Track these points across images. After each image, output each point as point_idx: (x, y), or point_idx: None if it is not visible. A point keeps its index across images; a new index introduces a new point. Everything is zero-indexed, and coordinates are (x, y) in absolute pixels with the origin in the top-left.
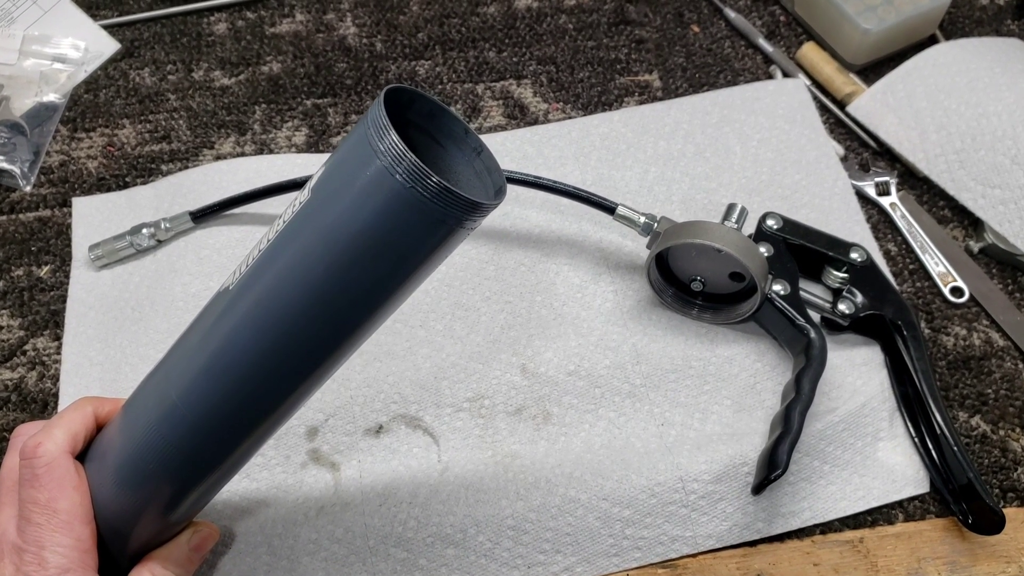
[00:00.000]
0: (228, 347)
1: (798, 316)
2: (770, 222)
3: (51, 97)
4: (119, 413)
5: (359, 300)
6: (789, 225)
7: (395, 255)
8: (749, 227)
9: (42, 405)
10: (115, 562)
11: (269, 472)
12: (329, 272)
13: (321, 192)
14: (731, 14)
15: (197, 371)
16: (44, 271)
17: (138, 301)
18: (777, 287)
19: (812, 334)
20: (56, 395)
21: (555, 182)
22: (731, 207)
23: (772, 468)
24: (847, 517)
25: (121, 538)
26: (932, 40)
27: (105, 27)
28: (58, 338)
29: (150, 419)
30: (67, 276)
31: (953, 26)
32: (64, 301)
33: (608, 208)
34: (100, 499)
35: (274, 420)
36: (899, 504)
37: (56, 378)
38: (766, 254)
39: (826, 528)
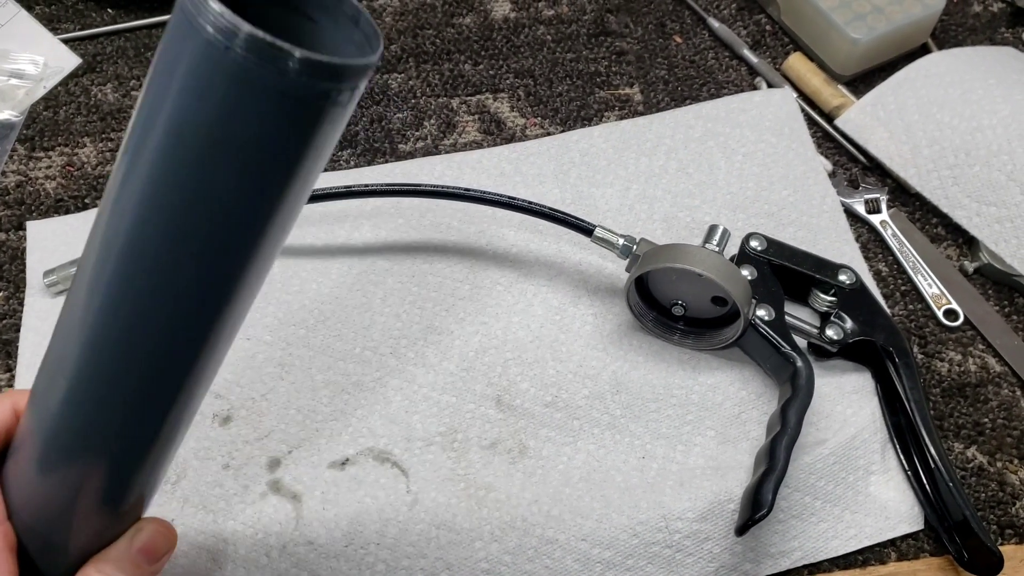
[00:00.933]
0: (101, 300)
1: (783, 343)
2: (754, 243)
3: (7, 115)
4: (28, 400)
5: (227, 221)
6: (774, 246)
7: (255, 150)
8: (732, 248)
9: None
10: None
11: (226, 503)
12: (182, 192)
13: (145, 108)
14: (715, 24)
15: (82, 328)
16: None
17: None
18: (761, 312)
19: (798, 363)
20: None
21: (531, 203)
22: (712, 229)
23: (756, 508)
24: (837, 557)
25: (53, 549)
26: (924, 49)
27: (65, 41)
28: (10, 369)
29: (50, 396)
30: (21, 304)
31: (945, 34)
32: (17, 330)
33: (586, 230)
34: (24, 499)
35: (174, 375)
36: (892, 543)
37: None
38: (749, 277)
39: (815, 568)
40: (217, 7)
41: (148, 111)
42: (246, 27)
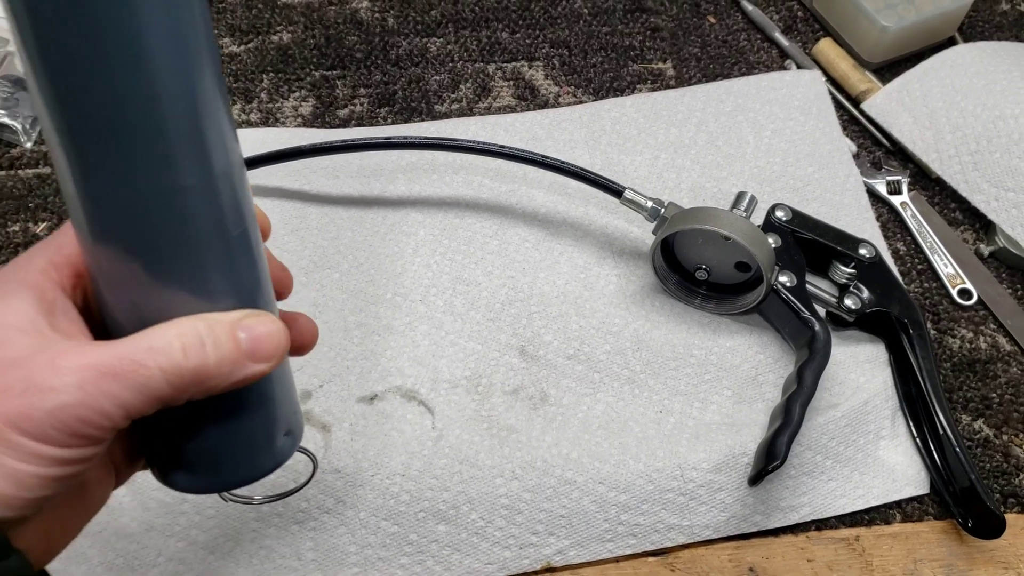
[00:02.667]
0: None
1: (803, 308)
2: (779, 213)
3: None
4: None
5: None
6: (798, 217)
7: None
8: (758, 217)
9: None
10: None
11: None
12: None
13: None
14: (748, 6)
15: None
16: (41, 228)
17: None
18: (783, 278)
19: (816, 327)
20: None
21: (563, 162)
22: (740, 195)
23: (770, 459)
24: (844, 515)
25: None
26: (951, 42)
27: None
28: None
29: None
30: None
31: (972, 30)
32: None
33: (615, 191)
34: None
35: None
36: (897, 504)
37: None
38: (774, 245)
39: (821, 524)
40: None
41: None
42: None
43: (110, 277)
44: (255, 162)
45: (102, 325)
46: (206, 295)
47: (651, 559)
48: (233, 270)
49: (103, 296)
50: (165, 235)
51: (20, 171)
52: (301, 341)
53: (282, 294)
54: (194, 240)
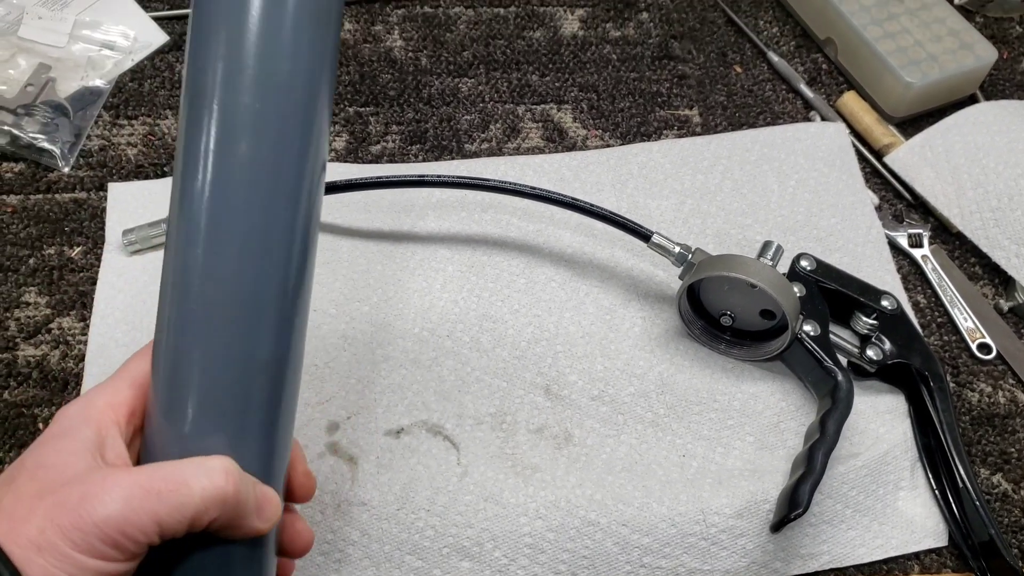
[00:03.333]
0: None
1: (827, 358)
2: (804, 263)
3: (96, 82)
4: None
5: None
6: (822, 268)
7: None
8: (782, 266)
9: (63, 384)
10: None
11: None
12: None
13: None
14: (774, 58)
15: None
16: (75, 252)
17: None
18: (807, 328)
19: (840, 377)
20: (78, 375)
21: (592, 205)
22: (767, 244)
23: (793, 507)
24: (863, 564)
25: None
26: (972, 99)
27: (155, 18)
28: (84, 319)
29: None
30: (98, 259)
31: (993, 87)
32: (93, 283)
33: (643, 235)
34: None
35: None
36: (915, 556)
37: (80, 358)
38: (799, 294)
39: (840, 573)
40: None
41: None
42: None
43: (170, 413)
44: None
45: (141, 459)
46: (240, 451)
47: None
48: (271, 448)
49: (155, 431)
50: (233, 397)
51: (57, 195)
52: (293, 545)
53: (303, 498)
54: (255, 408)
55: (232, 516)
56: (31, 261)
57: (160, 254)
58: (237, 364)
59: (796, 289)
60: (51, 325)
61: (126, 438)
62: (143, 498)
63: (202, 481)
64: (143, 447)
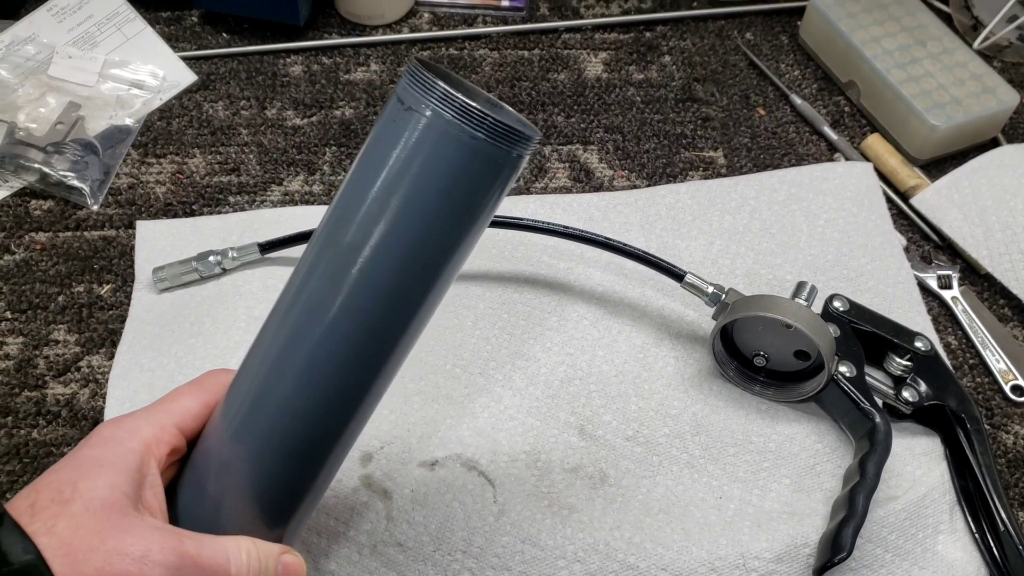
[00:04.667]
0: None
1: (863, 400)
2: (837, 304)
3: (125, 121)
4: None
5: (436, 252)
6: (855, 308)
7: (460, 204)
8: (816, 307)
9: (92, 422)
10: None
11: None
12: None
13: (379, 168)
14: (797, 100)
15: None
16: (105, 290)
17: (198, 317)
18: (843, 368)
19: (877, 419)
20: None
21: (625, 244)
22: (801, 285)
23: (836, 551)
24: None
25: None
26: (994, 143)
27: (184, 59)
28: (113, 356)
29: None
30: (127, 296)
31: (1014, 131)
32: (122, 321)
33: (677, 275)
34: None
35: (374, 396)
36: None
37: None
38: (833, 335)
39: None
40: (442, 84)
41: (385, 179)
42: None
43: (213, 484)
44: None
45: (172, 501)
46: (274, 524)
47: None
48: (300, 517)
49: (194, 484)
50: (285, 485)
51: (86, 232)
52: None
53: None
54: (295, 502)
55: None
56: (60, 299)
57: (189, 291)
58: (292, 479)
59: (831, 330)
60: (80, 363)
61: (165, 479)
62: (188, 570)
63: (240, 561)
64: (181, 494)
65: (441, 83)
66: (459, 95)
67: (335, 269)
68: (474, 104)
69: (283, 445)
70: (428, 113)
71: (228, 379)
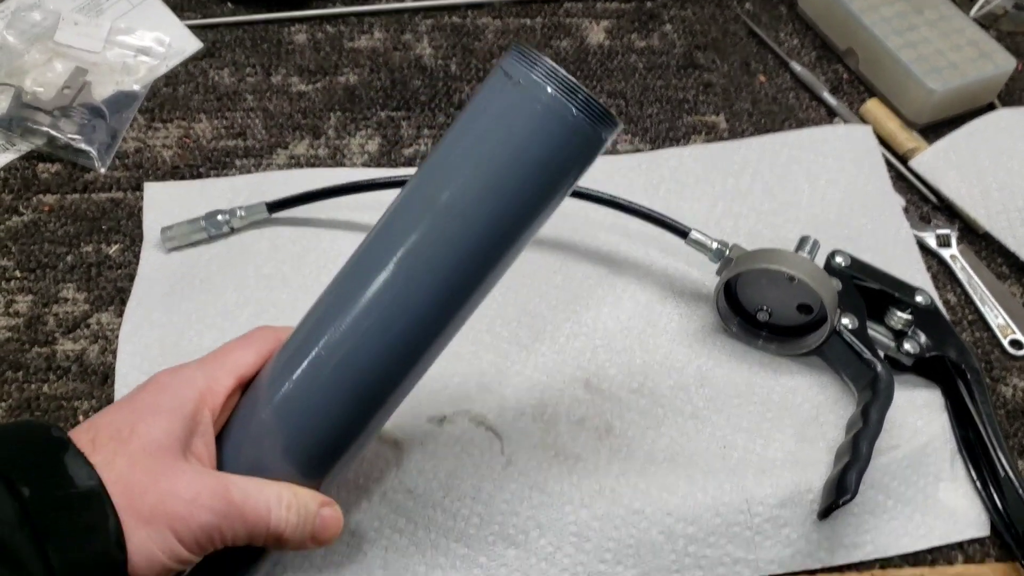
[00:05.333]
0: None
1: (865, 350)
2: (839, 259)
3: (132, 87)
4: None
5: (520, 220)
6: (857, 264)
7: (551, 176)
8: (818, 263)
9: (103, 377)
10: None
11: None
12: (500, 198)
13: (480, 129)
14: (797, 67)
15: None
16: (113, 250)
17: (208, 275)
18: (846, 320)
19: (879, 368)
20: None
21: (630, 202)
22: (804, 239)
23: (841, 493)
24: (907, 554)
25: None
26: (990, 107)
27: (189, 26)
28: (122, 314)
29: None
30: (136, 256)
31: (1010, 96)
32: (131, 279)
33: (681, 232)
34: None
35: (434, 352)
36: (959, 545)
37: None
38: (836, 288)
39: (885, 563)
40: (548, 60)
41: (489, 146)
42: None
43: (259, 435)
44: (328, 192)
45: (220, 445)
46: (312, 475)
47: None
48: (336, 471)
49: (239, 440)
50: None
51: (94, 195)
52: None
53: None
54: (337, 455)
55: (281, 539)
56: (69, 258)
57: (197, 250)
58: (343, 428)
59: (833, 283)
60: (90, 320)
61: (216, 426)
62: (234, 517)
63: (280, 513)
64: (228, 440)
65: (547, 59)
66: (563, 72)
67: (429, 225)
68: (576, 82)
69: (341, 400)
70: (534, 87)
71: (277, 335)
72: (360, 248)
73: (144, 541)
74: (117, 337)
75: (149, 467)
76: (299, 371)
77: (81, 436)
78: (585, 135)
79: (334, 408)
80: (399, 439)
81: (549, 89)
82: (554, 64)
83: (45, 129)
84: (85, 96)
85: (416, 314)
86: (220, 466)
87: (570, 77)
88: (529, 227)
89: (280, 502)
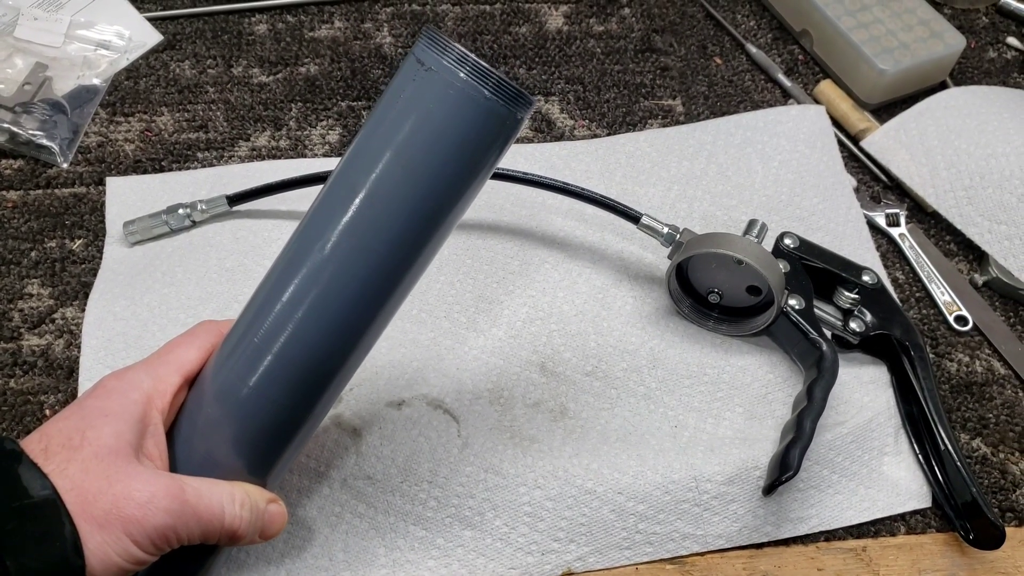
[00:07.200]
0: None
1: (811, 330)
2: (787, 241)
3: (93, 81)
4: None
5: (444, 203)
6: (805, 245)
7: (469, 158)
8: (767, 245)
9: (68, 372)
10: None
11: None
12: (417, 186)
13: (389, 120)
14: (752, 49)
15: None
16: (76, 244)
17: (170, 268)
18: (792, 302)
19: (825, 347)
20: None
21: (584, 189)
22: (752, 222)
23: (784, 470)
24: (851, 526)
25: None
26: (942, 86)
27: (149, 19)
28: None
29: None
30: (99, 251)
31: (962, 75)
32: (95, 274)
33: (633, 217)
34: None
35: (370, 338)
36: (901, 517)
37: None
38: (783, 270)
39: (830, 535)
40: (458, 46)
41: (404, 132)
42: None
43: (207, 429)
44: (288, 184)
45: (171, 445)
46: (258, 471)
47: (668, 567)
48: (282, 464)
49: (189, 436)
50: (270, 435)
51: (57, 190)
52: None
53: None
54: (284, 442)
55: (234, 535)
56: (33, 254)
57: (160, 243)
58: (287, 421)
59: (781, 265)
60: (55, 315)
61: (166, 424)
62: (188, 517)
63: (233, 511)
64: (177, 437)
65: (458, 46)
66: (473, 56)
67: (355, 213)
68: (487, 66)
69: (282, 388)
70: (446, 72)
71: (219, 328)
72: (292, 238)
73: (100, 545)
74: (82, 331)
75: (102, 472)
76: (240, 362)
77: (33, 446)
78: (499, 116)
79: (276, 395)
80: (357, 427)
81: (461, 74)
82: (464, 49)
83: (6, 125)
84: (46, 91)
85: (348, 300)
86: (172, 464)
87: (481, 61)
88: (453, 209)
89: (233, 500)
